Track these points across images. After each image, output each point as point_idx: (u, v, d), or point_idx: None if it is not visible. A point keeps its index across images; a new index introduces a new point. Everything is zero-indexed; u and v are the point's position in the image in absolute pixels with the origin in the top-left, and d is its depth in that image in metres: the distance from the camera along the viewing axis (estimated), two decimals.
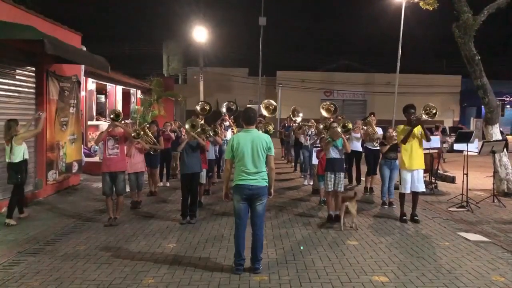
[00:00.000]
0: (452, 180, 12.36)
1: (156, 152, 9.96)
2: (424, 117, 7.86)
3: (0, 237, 6.76)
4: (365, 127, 10.80)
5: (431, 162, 10.88)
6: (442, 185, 11.58)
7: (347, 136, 8.79)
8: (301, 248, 6.32)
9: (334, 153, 7.83)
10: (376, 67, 37.45)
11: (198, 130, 8.02)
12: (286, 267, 5.51)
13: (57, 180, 10.09)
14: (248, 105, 23.03)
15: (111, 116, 7.80)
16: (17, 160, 7.53)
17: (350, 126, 8.38)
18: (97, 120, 16.69)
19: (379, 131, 10.66)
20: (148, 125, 10.14)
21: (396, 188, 8.76)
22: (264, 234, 5.72)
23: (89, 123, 15.53)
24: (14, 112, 8.76)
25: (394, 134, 8.71)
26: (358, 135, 10.94)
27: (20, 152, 7.62)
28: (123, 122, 8.12)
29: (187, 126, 7.96)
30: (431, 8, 11.94)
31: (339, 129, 7.87)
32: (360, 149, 11.11)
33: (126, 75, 20.44)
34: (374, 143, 10.45)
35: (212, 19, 33.89)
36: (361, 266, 5.57)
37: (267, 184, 5.44)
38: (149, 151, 9.50)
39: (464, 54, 10.78)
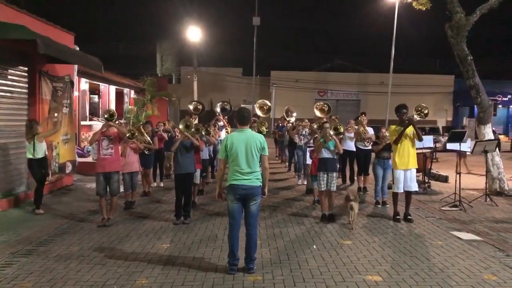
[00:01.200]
0: (445, 179, 12.43)
1: (151, 152, 9.95)
2: (416, 117, 7.90)
3: None
4: (356, 127, 10.84)
5: (424, 161, 10.94)
6: (435, 185, 11.65)
7: (341, 136, 8.82)
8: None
9: (326, 153, 7.87)
10: (369, 67, 37.60)
11: (192, 130, 8.02)
12: (280, 267, 5.51)
13: (50, 180, 10.03)
14: (242, 105, 23.05)
15: (105, 116, 7.77)
16: (40, 156, 8.42)
17: (342, 130, 8.38)
18: (90, 120, 16.61)
19: (370, 131, 10.71)
20: (142, 125, 10.12)
21: (390, 187, 8.80)
22: (258, 234, 5.73)
23: (82, 123, 15.45)
24: (6, 112, 8.72)
25: (387, 134, 8.76)
26: (352, 134, 10.97)
27: (42, 149, 8.50)
28: (117, 122, 8.10)
29: (181, 126, 7.96)
30: (424, 8, 12.01)
31: (331, 131, 7.90)
32: (354, 149, 11.14)
33: (120, 75, 20.35)
34: (365, 143, 10.49)
35: (206, 19, 33.98)
36: (355, 266, 5.59)
37: (261, 184, 5.45)
38: (144, 151, 9.49)
39: (457, 54, 10.85)
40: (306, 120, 11.73)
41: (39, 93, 9.59)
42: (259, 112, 11.53)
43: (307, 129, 11.04)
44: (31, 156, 8.34)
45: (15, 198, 8.75)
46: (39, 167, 8.41)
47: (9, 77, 8.89)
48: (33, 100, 9.48)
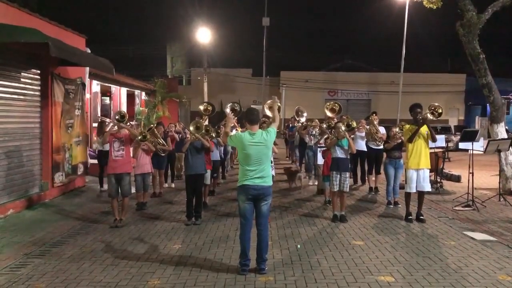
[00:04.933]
0: (457, 179, 12.32)
1: (165, 153, 10.03)
2: (430, 116, 7.84)
3: (7, 239, 6.80)
4: (367, 126, 10.80)
5: (436, 161, 10.85)
6: (447, 184, 11.54)
7: (352, 136, 8.78)
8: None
9: (340, 153, 7.84)
10: (380, 66, 37.37)
11: (202, 131, 8.04)
12: (291, 268, 5.51)
13: (63, 182, 10.13)
14: (252, 106, 23.03)
15: (116, 117, 7.83)
16: (107, 149, 9.45)
17: (354, 124, 8.38)
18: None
19: (382, 130, 10.65)
20: (155, 127, 10.20)
21: (402, 187, 8.74)
22: (269, 235, 5.72)
23: (94, 125, 15.56)
24: (19, 115, 8.82)
25: (397, 130, 8.75)
26: (363, 134, 10.90)
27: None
28: (128, 124, 8.15)
29: (191, 128, 7.99)
30: (435, 7, 11.88)
31: (343, 128, 7.88)
32: (365, 149, 11.08)
33: (131, 77, 20.51)
34: (377, 142, 10.44)
35: (215, 20, 33.98)
36: (367, 266, 5.56)
37: (272, 184, 5.46)
38: (159, 152, 9.58)
39: (469, 53, 10.73)
40: (316, 120, 11.69)
41: (51, 96, 9.69)
42: (268, 113, 11.48)
43: (317, 129, 11.00)
44: (101, 149, 10.42)
45: (28, 199, 8.84)
46: (105, 156, 9.69)
47: (22, 80, 8.99)
48: (45, 103, 9.58)
